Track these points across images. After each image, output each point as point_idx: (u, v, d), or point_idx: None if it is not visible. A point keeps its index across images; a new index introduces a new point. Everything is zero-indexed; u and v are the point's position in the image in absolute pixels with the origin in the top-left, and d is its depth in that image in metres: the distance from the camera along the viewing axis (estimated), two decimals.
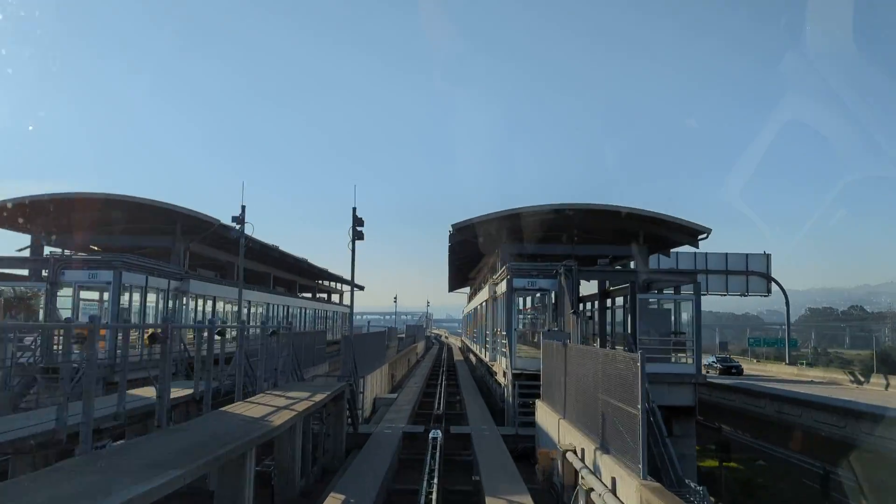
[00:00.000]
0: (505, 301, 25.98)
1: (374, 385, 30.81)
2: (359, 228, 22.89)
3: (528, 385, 22.15)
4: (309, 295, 69.63)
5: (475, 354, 48.88)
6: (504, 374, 24.96)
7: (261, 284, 50.10)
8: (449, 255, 37.94)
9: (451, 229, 32.79)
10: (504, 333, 25.80)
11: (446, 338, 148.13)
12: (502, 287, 26.94)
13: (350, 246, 22.78)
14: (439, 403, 28.53)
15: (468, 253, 39.82)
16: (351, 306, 26.11)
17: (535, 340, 29.09)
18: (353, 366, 20.35)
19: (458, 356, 75.65)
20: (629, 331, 25.91)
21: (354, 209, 22.71)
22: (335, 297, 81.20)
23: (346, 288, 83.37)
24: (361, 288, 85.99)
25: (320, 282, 74.12)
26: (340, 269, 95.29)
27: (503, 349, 26.82)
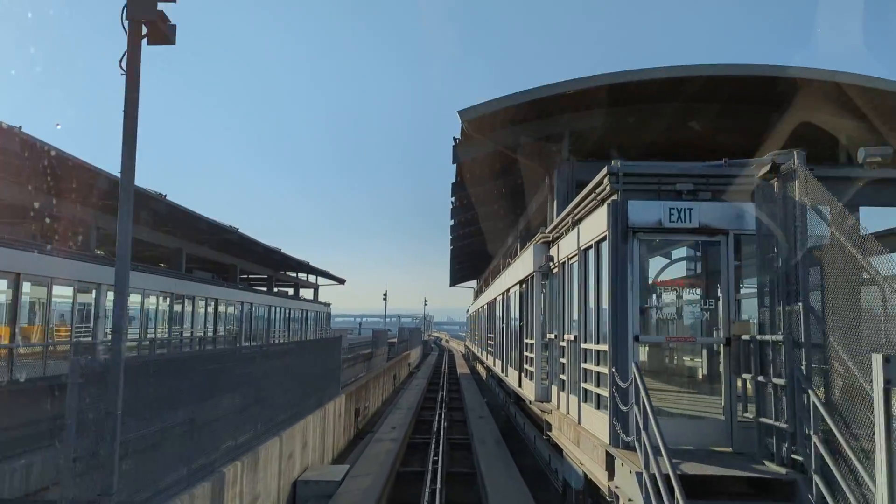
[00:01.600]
0: (609, 256, 9.72)
1: (308, 448, 14.65)
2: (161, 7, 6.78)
3: None
4: (272, 290, 53.33)
5: (489, 369, 32.64)
6: (607, 466, 8.83)
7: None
8: (452, 195, 21.36)
9: (457, 137, 16.72)
10: (594, 347, 9.63)
11: (447, 342, 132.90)
12: (594, 225, 10.67)
13: (121, 64, 6.69)
14: None
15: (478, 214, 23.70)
16: (122, 279, 8.03)
17: (676, 364, 12.59)
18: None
19: (462, 367, 59.48)
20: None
21: None
22: (310, 295, 64.92)
23: (323, 281, 67.16)
24: (342, 281, 69.79)
25: (286, 272, 57.89)
26: (328, 266, 79.52)
27: (586, 382, 10.75)
